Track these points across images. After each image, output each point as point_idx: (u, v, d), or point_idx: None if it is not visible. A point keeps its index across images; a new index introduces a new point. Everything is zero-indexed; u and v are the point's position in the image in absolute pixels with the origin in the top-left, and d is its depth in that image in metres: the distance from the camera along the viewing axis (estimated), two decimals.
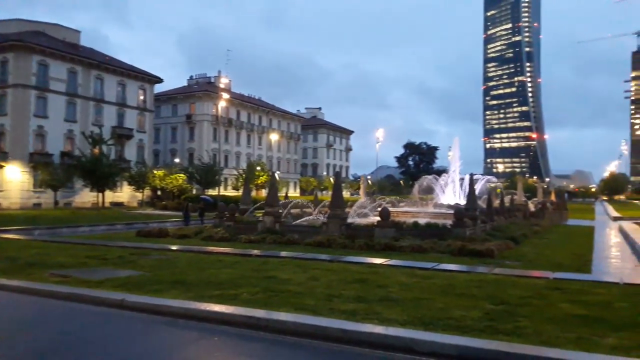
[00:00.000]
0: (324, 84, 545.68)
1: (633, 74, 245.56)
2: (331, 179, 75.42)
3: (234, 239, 19.27)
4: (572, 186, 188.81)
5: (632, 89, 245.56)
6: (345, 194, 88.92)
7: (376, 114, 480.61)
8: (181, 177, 56.71)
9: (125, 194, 58.43)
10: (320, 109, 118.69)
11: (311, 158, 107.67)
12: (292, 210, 25.84)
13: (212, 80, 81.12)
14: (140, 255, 14.30)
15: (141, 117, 63.73)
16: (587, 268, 13.00)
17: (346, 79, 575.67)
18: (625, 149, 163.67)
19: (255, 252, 15.31)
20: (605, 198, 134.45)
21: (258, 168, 68.48)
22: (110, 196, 53.56)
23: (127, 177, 55.16)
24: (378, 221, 19.10)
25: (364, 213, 26.90)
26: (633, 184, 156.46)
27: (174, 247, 16.76)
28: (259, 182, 65.40)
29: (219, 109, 65.88)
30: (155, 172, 56.86)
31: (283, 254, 14.96)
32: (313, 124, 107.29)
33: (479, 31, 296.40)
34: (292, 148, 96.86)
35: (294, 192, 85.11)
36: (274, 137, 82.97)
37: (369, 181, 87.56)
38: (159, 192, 58.76)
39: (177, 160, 69.78)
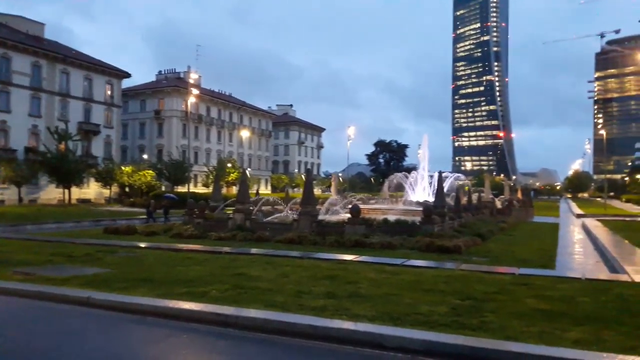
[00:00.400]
0: (294, 81, 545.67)
1: (596, 75, 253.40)
2: (302, 176, 75.35)
3: (204, 236, 19.07)
4: (537, 184, 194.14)
5: (596, 89, 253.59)
6: (317, 191, 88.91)
7: (346, 112, 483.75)
8: (150, 174, 55.71)
9: (92, 190, 57.01)
10: (291, 106, 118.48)
11: (282, 155, 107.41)
12: (263, 208, 25.75)
13: (182, 75, 79.91)
14: (108, 253, 14.01)
15: (108, 112, 62.27)
16: (552, 264, 13.38)
17: (316, 77, 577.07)
18: (588, 147, 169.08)
19: (226, 249, 15.19)
20: (569, 196, 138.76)
21: (229, 165, 67.89)
22: (76, 193, 52.16)
23: (94, 174, 53.88)
24: (349, 218, 19.22)
25: (335, 210, 27.01)
26: (596, 182, 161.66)
27: (142, 245, 16.47)
28: (230, 179, 64.86)
29: (189, 104, 64.96)
30: (123, 168, 55.66)
31: (253, 251, 14.89)
32: (284, 121, 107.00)
33: (449, 30, 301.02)
34: (264, 145, 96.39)
35: (265, 190, 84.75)
36: (245, 133, 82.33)
37: (340, 178, 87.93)
38: (127, 189, 57.57)
39: (145, 156, 68.50)
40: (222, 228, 20.14)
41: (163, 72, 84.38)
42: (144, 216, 30.91)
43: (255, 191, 43.36)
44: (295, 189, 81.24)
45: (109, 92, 62.31)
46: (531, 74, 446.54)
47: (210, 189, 46.29)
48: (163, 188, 57.72)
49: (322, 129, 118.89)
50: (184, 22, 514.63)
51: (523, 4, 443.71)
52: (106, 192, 56.79)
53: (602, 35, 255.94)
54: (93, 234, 20.49)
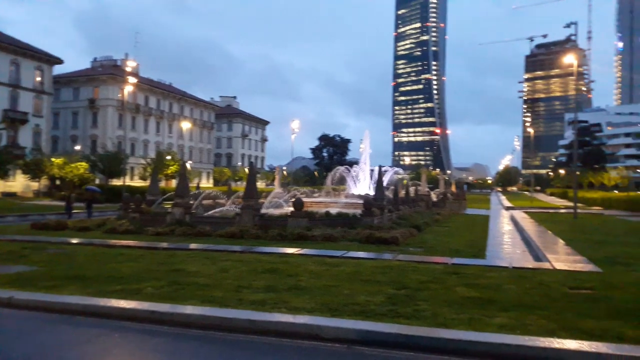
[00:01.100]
0: (235, 73, 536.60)
1: (526, 76, 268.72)
2: (246, 170, 74.52)
3: (140, 231, 18.43)
4: (470, 178, 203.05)
5: (525, 89, 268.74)
6: (260, 184, 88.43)
7: (289, 106, 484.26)
8: (82, 166, 52.99)
9: (18, 183, 53.65)
10: (235, 97, 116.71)
11: (225, 148, 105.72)
12: (204, 201, 25.28)
13: (119, 63, 76.54)
14: (35, 250, 13.25)
15: (38, 100, 58.71)
16: (482, 253, 14.03)
17: (257, 69, 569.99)
18: (517, 144, 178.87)
19: (163, 244, 14.79)
20: (499, 189, 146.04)
21: (168, 157, 65.92)
22: (1, 186, 48.93)
23: (21, 165, 50.64)
24: (291, 211, 19.26)
25: (278, 204, 26.98)
26: (524, 177, 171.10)
27: (73, 241, 15.71)
28: (169, 172, 63.04)
29: (126, 93, 62.39)
30: (53, 160, 52.66)
31: (192, 246, 14.60)
32: (228, 113, 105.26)
33: (390, 29, 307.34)
34: (206, 137, 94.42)
35: (207, 183, 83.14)
36: (185, 125, 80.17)
37: (284, 172, 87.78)
38: (57, 182, 54.60)
39: (78, 147, 65.12)
40: (160, 223, 19.56)
41: (99, 59, 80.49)
42: (78, 210, 29.46)
43: (195, 184, 42.40)
44: (239, 183, 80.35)
45: (38, 79, 58.73)
46: (465, 74, 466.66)
47: (148, 183, 44.85)
48: (97, 181, 55.25)
49: (267, 122, 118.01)
50: (117, 6, 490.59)
51: (460, 7, 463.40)
52: (34, 185, 53.60)
53: (531, 39, 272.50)
54: (19, 230, 19.25)
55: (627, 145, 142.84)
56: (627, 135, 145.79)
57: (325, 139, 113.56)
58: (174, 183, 58.58)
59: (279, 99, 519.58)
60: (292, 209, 19.58)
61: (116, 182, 53.51)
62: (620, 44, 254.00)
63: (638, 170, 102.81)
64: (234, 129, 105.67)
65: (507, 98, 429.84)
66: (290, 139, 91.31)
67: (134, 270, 10.07)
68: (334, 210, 21.63)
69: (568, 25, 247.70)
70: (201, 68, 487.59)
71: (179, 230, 18.19)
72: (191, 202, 21.80)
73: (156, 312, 6.94)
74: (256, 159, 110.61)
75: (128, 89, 60.14)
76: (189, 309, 6.98)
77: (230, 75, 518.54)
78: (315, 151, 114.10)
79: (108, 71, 72.29)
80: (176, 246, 14.47)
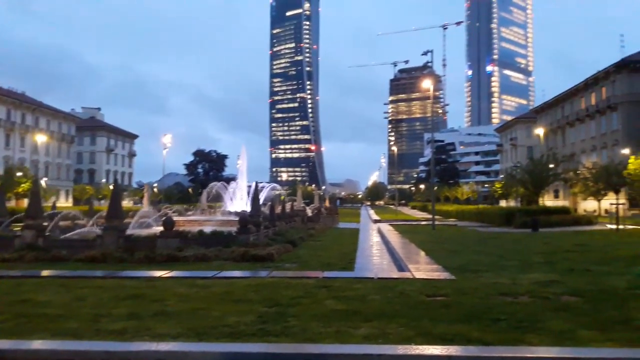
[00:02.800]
0: (94, 83, 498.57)
1: (390, 98, 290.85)
2: (111, 187, 69.51)
3: None
4: (343, 193, 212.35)
5: (390, 110, 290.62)
6: (128, 203, 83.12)
7: (156, 119, 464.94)
8: None
9: None
10: (99, 109, 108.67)
11: (88, 163, 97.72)
12: (61, 223, 23.02)
13: None
14: None
15: None
16: (351, 266, 14.65)
17: (119, 80, 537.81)
18: (384, 161, 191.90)
19: (9, 272, 13.12)
20: (369, 203, 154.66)
21: (19, 174, 59.03)
22: None
23: None
24: (161, 231, 18.35)
25: (147, 223, 25.53)
26: (390, 192, 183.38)
27: None
28: (20, 190, 56.44)
29: None
30: None
31: (45, 273, 13.16)
32: (91, 126, 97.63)
33: (262, 46, 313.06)
34: (65, 152, 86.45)
35: (65, 202, 76.04)
36: (41, 138, 72.62)
37: (155, 189, 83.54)
38: None
39: None
40: (7, 248, 17.33)
41: None
42: None
43: (51, 204, 38.52)
44: (102, 202, 74.53)
45: None
46: (335, 94, 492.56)
47: None
48: None
49: (135, 136, 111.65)
50: None
51: (331, 31, 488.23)
52: None
53: (394, 64, 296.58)
54: None
55: (477, 163, 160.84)
56: (477, 153, 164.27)
57: (200, 155, 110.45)
58: (26, 203, 52.52)
59: (144, 112, 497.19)
60: (162, 228, 18.67)
61: None
62: (470, 72, 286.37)
63: (486, 185, 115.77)
64: (98, 142, 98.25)
65: (375, 118, 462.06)
66: (161, 154, 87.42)
67: None
68: (208, 229, 21.04)
69: (425, 53, 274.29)
70: (55, 76, 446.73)
71: (30, 255, 16.28)
72: (45, 223, 19.71)
73: None
74: (123, 175, 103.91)
75: None
76: (36, 344, 6.26)
77: (89, 86, 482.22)
78: (190, 167, 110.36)
79: None
80: (25, 274, 12.93)
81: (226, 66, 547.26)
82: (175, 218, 22.49)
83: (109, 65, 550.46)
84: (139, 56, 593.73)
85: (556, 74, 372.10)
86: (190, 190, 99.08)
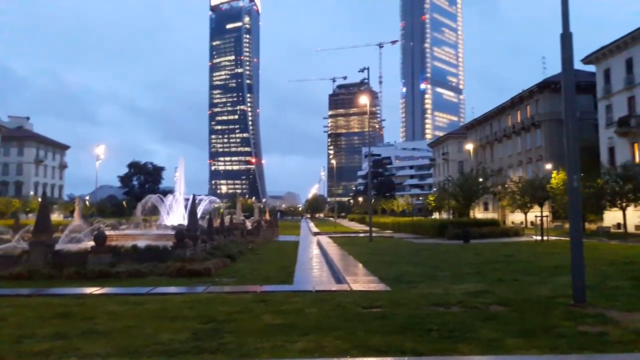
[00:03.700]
0: (17, 90, 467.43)
1: (330, 113, 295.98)
2: (40, 200, 65.50)
3: None
4: (283, 206, 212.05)
5: (329, 124, 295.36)
6: (58, 217, 78.70)
7: (86, 130, 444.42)
8: None
9: None
10: (28, 119, 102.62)
11: (14, 175, 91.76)
12: None
13: None
14: None
15: None
16: (290, 279, 14.70)
17: (45, 89, 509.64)
18: (323, 174, 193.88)
19: None
20: (309, 216, 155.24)
21: None
22: None
23: None
24: (92, 246, 17.58)
25: (78, 238, 24.32)
26: (330, 204, 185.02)
27: None
28: None
29: None
30: None
31: None
32: (18, 136, 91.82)
33: (197, 58, 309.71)
34: None
35: None
36: None
37: (87, 202, 79.70)
38: None
39: None
40: None
41: None
42: None
43: None
44: (30, 215, 70.13)
45: None
46: (275, 107, 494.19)
47: None
48: None
49: (66, 147, 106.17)
50: None
51: (271, 46, 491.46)
52: None
53: (333, 80, 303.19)
54: None
55: (412, 176, 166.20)
56: (411, 167, 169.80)
57: (135, 166, 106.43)
58: None
59: (74, 122, 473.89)
60: (93, 243, 17.89)
61: None
62: (404, 89, 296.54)
63: (420, 198, 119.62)
64: (26, 153, 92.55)
65: (313, 132, 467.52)
66: (93, 166, 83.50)
67: None
68: (143, 243, 20.33)
69: (362, 70, 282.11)
70: None
71: None
72: None
73: None
74: (53, 187, 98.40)
75: None
76: None
77: (14, 94, 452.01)
78: (124, 179, 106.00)
79: None
80: None
81: (160, 77, 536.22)
82: (108, 232, 21.63)
83: (33, 71, 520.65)
84: (67, 64, 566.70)
85: (484, 92, 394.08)
86: (124, 203, 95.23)
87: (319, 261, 21.74)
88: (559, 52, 10.05)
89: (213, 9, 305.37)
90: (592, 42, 51.71)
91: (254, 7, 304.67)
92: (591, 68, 51.16)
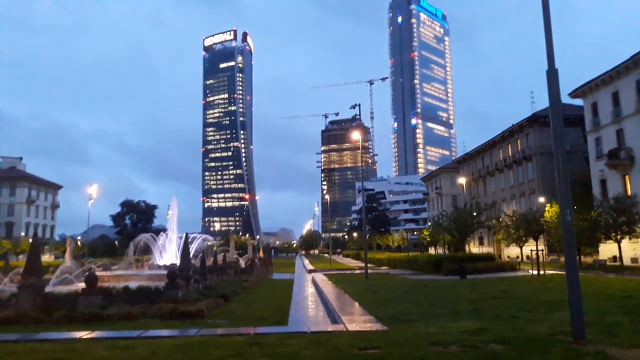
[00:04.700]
0: (7, 131, 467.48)
1: (323, 148, 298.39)
2: (30, 241, 64.58)
3: None
4: (277, 242, 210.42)
5: (322, 160, 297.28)
6: (49, 257, 77.67)
7: (76, 169, 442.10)
8: None
9: None
10: (21, 159, 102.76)
11: (5, 216, 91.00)
12: None
13: None
14: None
15: None
16: (285, 320, 14.42)
17: (36, 128, 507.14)
18: (317, 210, 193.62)
19: None
20: (303, 252, 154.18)
21: None
22: None
23: None
24: (83, 288, 17.27)
25: (68, 279, 23.91)
26: (324, 240, 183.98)
27: None
28: None
29: None
30: None
31: None
32: (10, 176, 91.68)
33: (189, 95, 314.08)
34: None
35: None
36: None
37: (79, 242, 78.83)
38: None
39: None
40: None
41: None
42: None
43: None
44: (21, 257, 69.19)
45: None
46: (268, 144, 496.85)
47: None
48: None
49: (59, 186, 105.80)
50: None
51: (263, 83, 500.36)
52: None
53: (325, 116, 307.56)
54: None
55: (406, 211, 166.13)
56: (405, 202, 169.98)
57: (128, 205, 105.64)
58: None
59: (64, 161, 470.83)
60: (84, 285, 17.58)
61: None
62: (395, 124, 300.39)
63: (415, 233, 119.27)
64: (18, 194, 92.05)
65: (307, 167, 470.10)
66: (84, 206, 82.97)
67: None
68: (134, 284, 19.99)
69: (353, 107, 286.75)
70: None
71: None
72: None
73: None
74: (45, 228, 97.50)
75: None
76: None
77: (4, 135, 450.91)
78: (117, 218, 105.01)
79: None
80: None
81: (151, 116, 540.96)
82: (99, 273, 21.31)
83: (23, 113, 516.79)
84: (57, 104, 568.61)
85: (475, 127, 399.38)
86: (116, 242, 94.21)
87: (314, 300, 21.42)
88: (545, 84, 10.24)
89: (206, 49, 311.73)
90: (579, 76, 53.00)
91: (247, 47, 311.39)
92: (579, 102, 52.09)
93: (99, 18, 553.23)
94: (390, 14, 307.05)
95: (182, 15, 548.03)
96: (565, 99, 50.99)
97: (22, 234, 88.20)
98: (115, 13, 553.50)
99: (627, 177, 44.27)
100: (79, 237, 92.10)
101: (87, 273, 20.18)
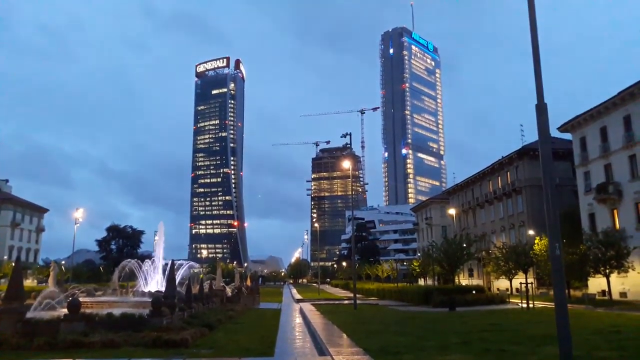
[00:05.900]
0: None
1: (313, 176, 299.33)
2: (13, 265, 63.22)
3: None
4: (265, 271, 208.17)
5: (312, 188, 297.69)
6: (32, 282, 76.04)
7: (59, 192, 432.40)
8: None
9: None
10: (7, 181, 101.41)
11: None
12: None
13: None
14: None
15: None
16: (271, 350, 14.14)
17: (17, 151, 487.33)
18: (307, 238, 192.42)
19: None
20: (291, 281, 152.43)
21: None
22: None
23: None
24: (65, 314, 16.89)
25: (51, 305, 23.37)
26: (313, 269, 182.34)
27: None
28: None
29: None
30: None
31: None
32: None
33: (175, 122, 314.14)
34: None
35: None
36: None
37: (63, 267, 77.40)
38: None
39: None
40: None
41: None
42: None
43: None
44: (3, 280, 67.61)
45: None
46: (258, 171, 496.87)
47: None
48: None
49: (45, 210, 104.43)
50: None
51: (255, 111, 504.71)
52: None
53: (316, 144, 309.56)
54: None
55: (396, 241, 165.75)
56: (395, 231, 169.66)
57: (114, 230, 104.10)
58: None
59: (47, 184, 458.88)
60: (66, 311, 17.19)
61: None
62: (386, 154, 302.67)
63: (405, 263, 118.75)
64: (2, 216, 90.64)
65: (296, 195, 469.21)
66: (69, 230, 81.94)
67: None
68: (118, 311, 19.61)
69: (344, 135, 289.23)
70: None
71: None
72: None
73: None
74: (28, 252, 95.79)
75: None
76: None
77: None
78: (102, 243, 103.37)
79: None
80: None
81: (135, 141, 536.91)
82: (83, 299, 20.88)
83: (5, 134, 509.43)
84: (39, 128, 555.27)
85: (464, 158, 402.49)
86: (101, 268, 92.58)
87: (301, 330, 21.08)
88: (534, 118, 10.38)
89: (198, 75, 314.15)
90: (568, 111, 53.79)
91: (239, 74, 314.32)
92: (568, 136, 52.91)
93: (81, 42, 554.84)
94: (382, 46, 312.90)
95: (165, 41, 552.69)
96: (554, 132, 51.82)
97: (5, 257, 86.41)
98: (96, 36, 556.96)
99: (615, 211, 44.67)
100: (63, 262, 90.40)
101: (70, 299, 19.77)
